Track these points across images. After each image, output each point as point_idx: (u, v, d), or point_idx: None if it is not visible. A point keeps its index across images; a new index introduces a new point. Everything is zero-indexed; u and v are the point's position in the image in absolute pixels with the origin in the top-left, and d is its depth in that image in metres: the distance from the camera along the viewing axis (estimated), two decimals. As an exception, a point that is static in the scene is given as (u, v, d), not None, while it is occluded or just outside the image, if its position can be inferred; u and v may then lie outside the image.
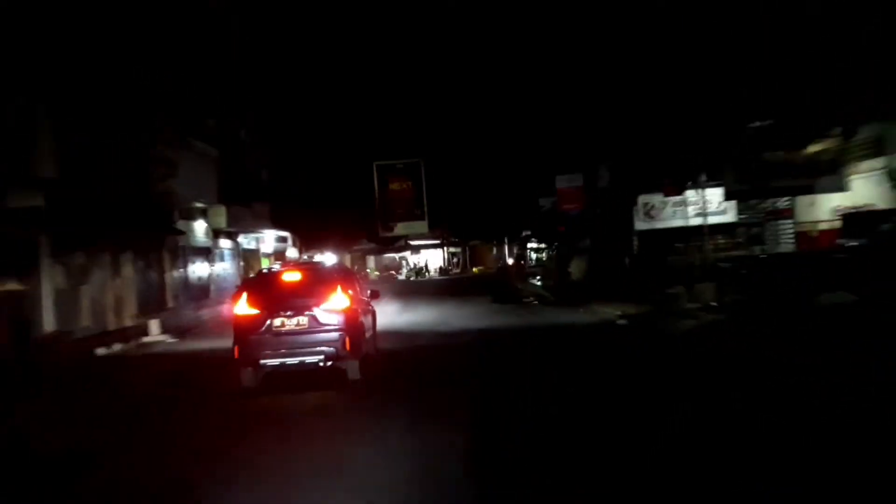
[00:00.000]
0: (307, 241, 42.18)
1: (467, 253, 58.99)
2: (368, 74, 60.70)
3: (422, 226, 57.02)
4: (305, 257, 40.40)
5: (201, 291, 27.50)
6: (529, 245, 55.80)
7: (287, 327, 10.41)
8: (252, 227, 31.69)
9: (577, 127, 27.10)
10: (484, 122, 57.20)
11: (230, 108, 29.22)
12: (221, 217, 25.95)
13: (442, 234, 57.11)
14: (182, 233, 24.32)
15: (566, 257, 30.89)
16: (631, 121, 22.19)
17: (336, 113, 52.00)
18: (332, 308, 10.55)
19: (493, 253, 61.49)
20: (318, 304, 10.54)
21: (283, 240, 38.29)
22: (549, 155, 35.34)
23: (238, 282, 26.07)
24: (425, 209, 56.78)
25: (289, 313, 10.45)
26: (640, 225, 21.80)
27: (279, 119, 37.36)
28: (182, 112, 23.64)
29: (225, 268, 31.12)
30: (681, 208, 20.71)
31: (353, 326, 10.73)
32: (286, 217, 37.07)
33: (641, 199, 21.58)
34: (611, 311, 19.04)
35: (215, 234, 28.72)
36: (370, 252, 59.15)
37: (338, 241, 48.17)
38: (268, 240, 37.49)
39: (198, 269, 27.50)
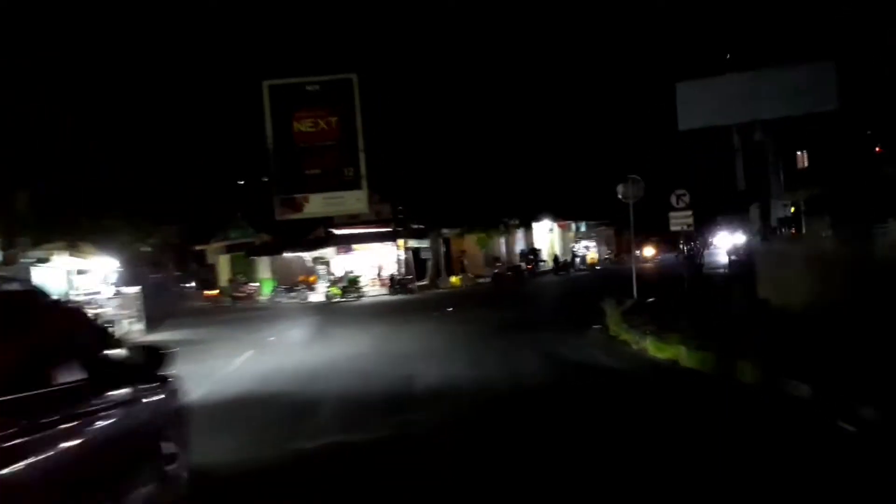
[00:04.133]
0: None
1: (441, 250, 33.09)
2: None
3: (356, 199, 30.86)
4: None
5: None
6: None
7: None
8: None
9: None
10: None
11: None
12: None
13: (395, 216, 31.39)
14: None
15: None
16: None
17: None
18: None
19: (484, 249, 35.52)
20: None
21: None
22: None
23: None
24: (362, 170, 30.76)
25: None
26: None
27: None
28: None
29: None
30: None
31: None
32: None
33: None
34: None
35: None
36: (262, 250, 32.76)
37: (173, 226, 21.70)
38: None
39: None
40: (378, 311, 21.93)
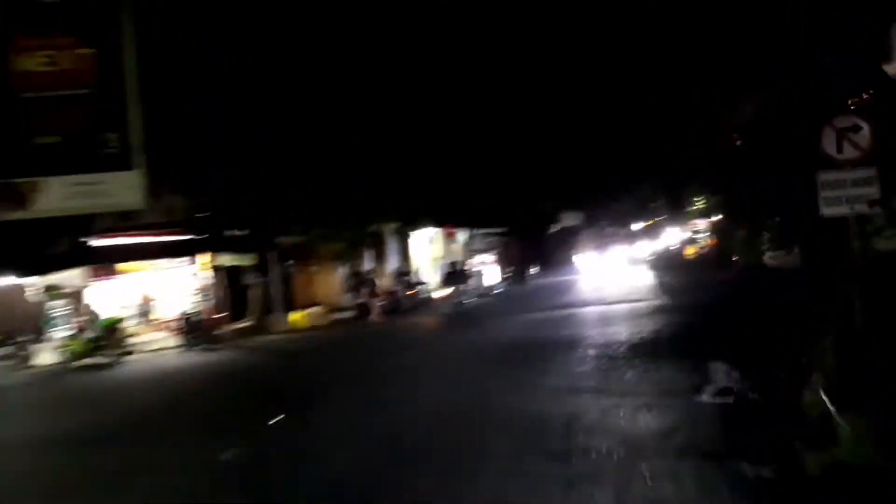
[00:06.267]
0: None
1: (277, 270, 21.16)
2: None
3: (126, 186, 18.36)
4: None
5: None
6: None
7: None
8: None
9: None
10: None
11: None
12: None
13: (192, 215, 19.23)
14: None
15: None
16: None
17: None
18: None
19: (343, 266, 23.83)
20: None
21: None
22: None
23: None
24: (136, 137, 18.45)
25: None
26: None
27: None
28: None
29: None
30: None
31: None
32: None
33: None
34: None
35: None
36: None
37: None
38: None
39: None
40: (111, 419, 10.02)
